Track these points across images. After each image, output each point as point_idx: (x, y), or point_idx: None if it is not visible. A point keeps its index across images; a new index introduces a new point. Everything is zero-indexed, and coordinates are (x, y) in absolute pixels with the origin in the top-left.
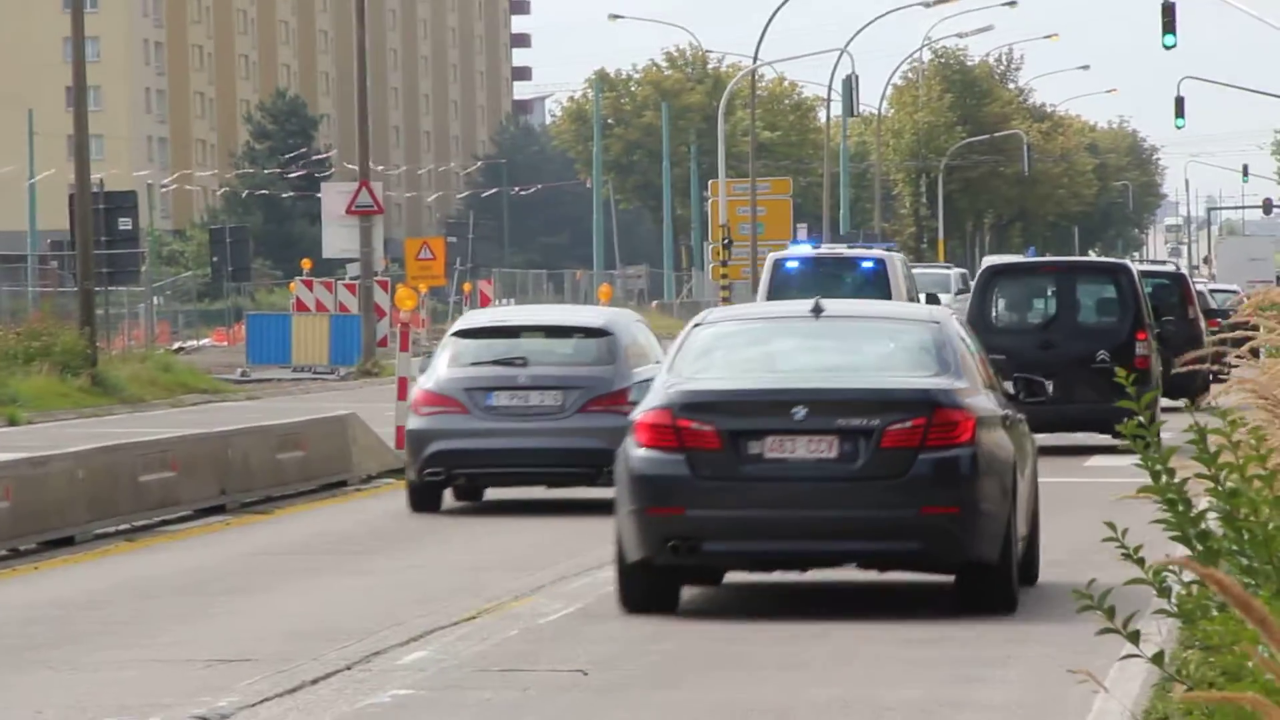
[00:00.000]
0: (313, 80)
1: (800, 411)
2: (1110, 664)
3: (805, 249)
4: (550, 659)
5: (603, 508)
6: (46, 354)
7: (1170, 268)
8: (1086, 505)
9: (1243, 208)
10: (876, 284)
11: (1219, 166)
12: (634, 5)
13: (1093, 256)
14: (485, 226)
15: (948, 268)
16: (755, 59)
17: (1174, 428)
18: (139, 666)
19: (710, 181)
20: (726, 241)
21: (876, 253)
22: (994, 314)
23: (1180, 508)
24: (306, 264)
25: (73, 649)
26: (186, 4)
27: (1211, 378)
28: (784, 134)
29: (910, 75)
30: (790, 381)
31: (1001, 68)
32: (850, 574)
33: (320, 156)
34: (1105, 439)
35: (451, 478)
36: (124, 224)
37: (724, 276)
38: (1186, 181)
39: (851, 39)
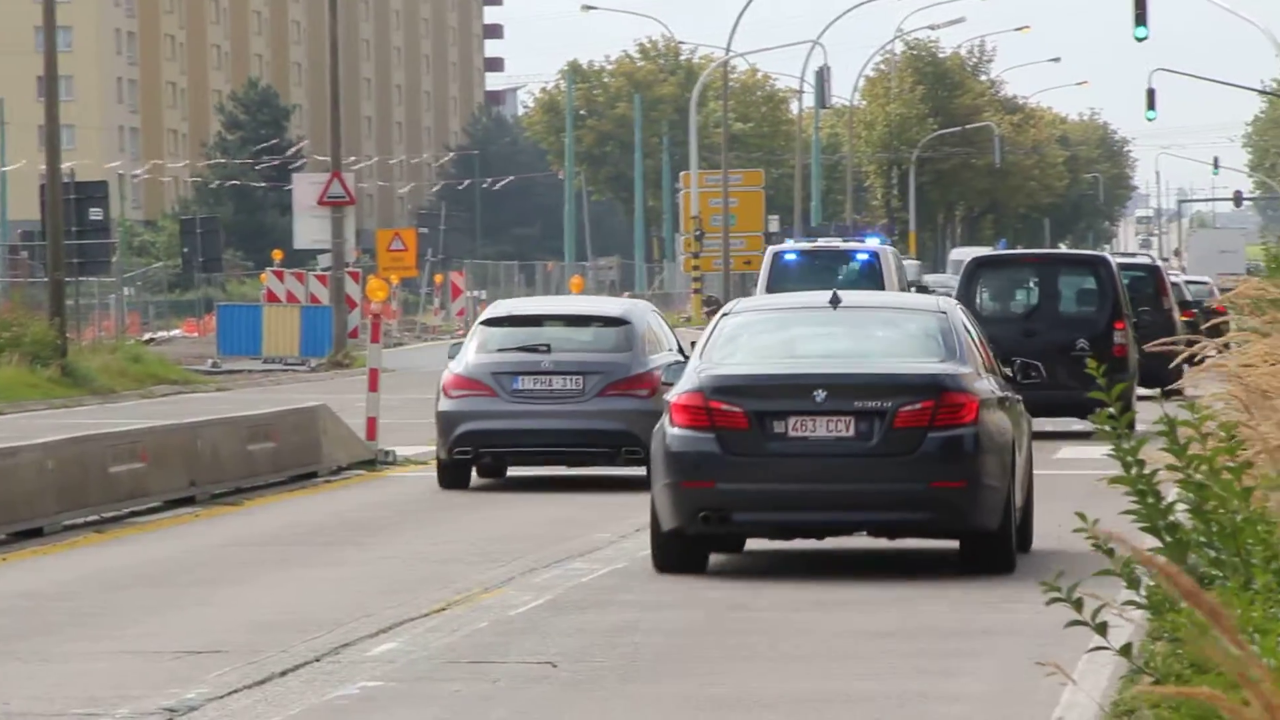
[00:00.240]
0: (285, 71)
1: (820, 394)
2: (1080, 655)
3: (802, 242)
4: (520, 651)
5: (578, 500)
6: (16, 344)
7: (1146, 260)
8: (1062, 497)
9: (1213, 200)
10: (870, 275)
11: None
12: None
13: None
14: (457, 218)
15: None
16: (728, 50)
17: (1150, 417)
18: (108, 658)
19: (682, 173)
20: (698, 233)
21: (870, 246)
22: (979, 303)
23: (1150, 499)
24: (277, 255)
25: (41, 640)
26: None
27: (1188, 364)
28: (756, 126)
29: (882, 67)
30: (811, 367)
31: (973, 60)
32: (844, 550)
33: (293, 148)
34: (1079, 427)
35: (479, 456)
36: (95, 214)
37: (696, 268)
38: (1157, 174)
39: (824, 31)
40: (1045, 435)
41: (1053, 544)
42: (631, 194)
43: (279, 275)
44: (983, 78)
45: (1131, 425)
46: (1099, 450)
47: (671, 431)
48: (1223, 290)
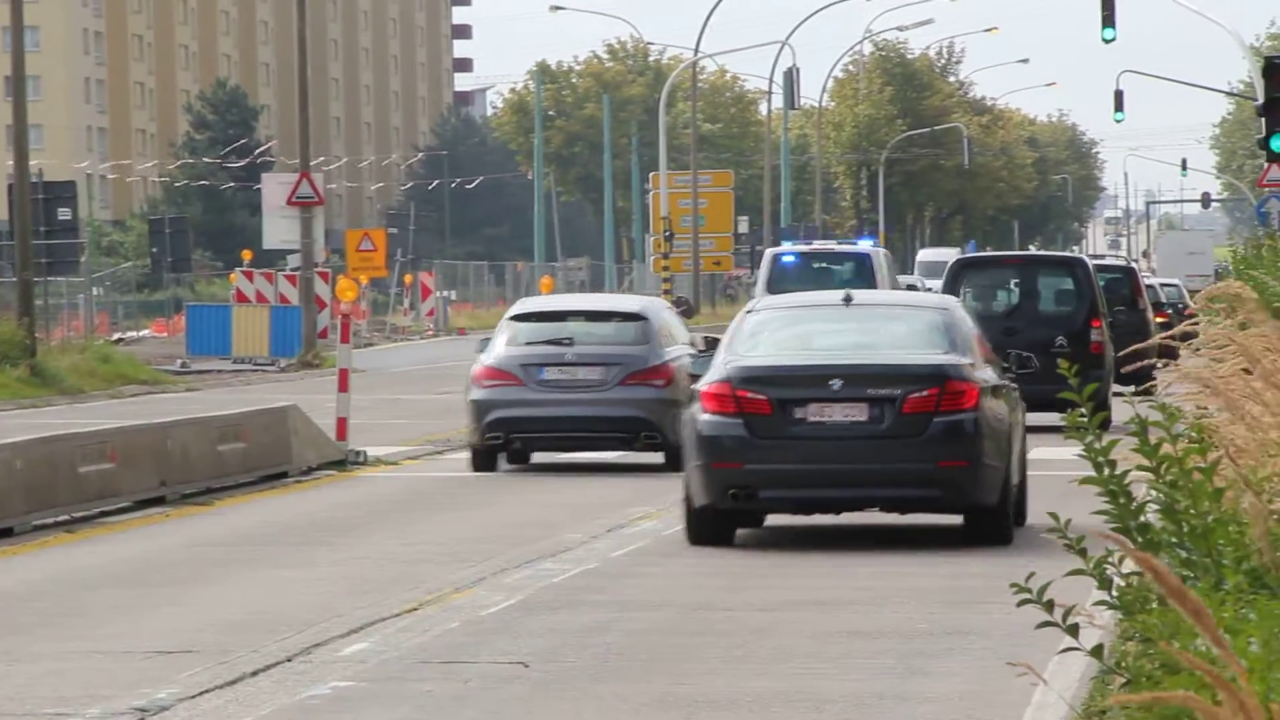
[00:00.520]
0: (253, 71)
1: (837, 383)
2: (1051, 656)
3: (799, 245)
4: (491, 651)
5: (549, 501)
6: None
7: (1121, 263)
8: (1033, 497)
9: (1181, 201)
10: (863, 275)
11: (1158, 160)
12: None
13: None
14: (426, 218)
15: None
16: (696, 51)
17: (1125, 415)
18: (78, 658)
19: (651, 174)
20: (668, 234)
21: (863, 248)
22: (962, 303)
23: (1121, 500)
24: (247, 255)
25: (11, 641)
26: None
27: (1161, 365)
28: (725, 126)
29: (851, 68)
30: (828, 359)
31: (942, 61)
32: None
33: (261, 148)
34: (1053, 423)
35: (509, 442)
36: (63, 214)
37: (665, 269)
38: (1126, 175)
39: (792, 31)
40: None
41: (1007, 563)
42: (601, 195)
43: (248, 275)
44: (951, 79)
45: (1107, 424)
46: (1072, 450)
47: (702, 418)
48: (1191, 292)
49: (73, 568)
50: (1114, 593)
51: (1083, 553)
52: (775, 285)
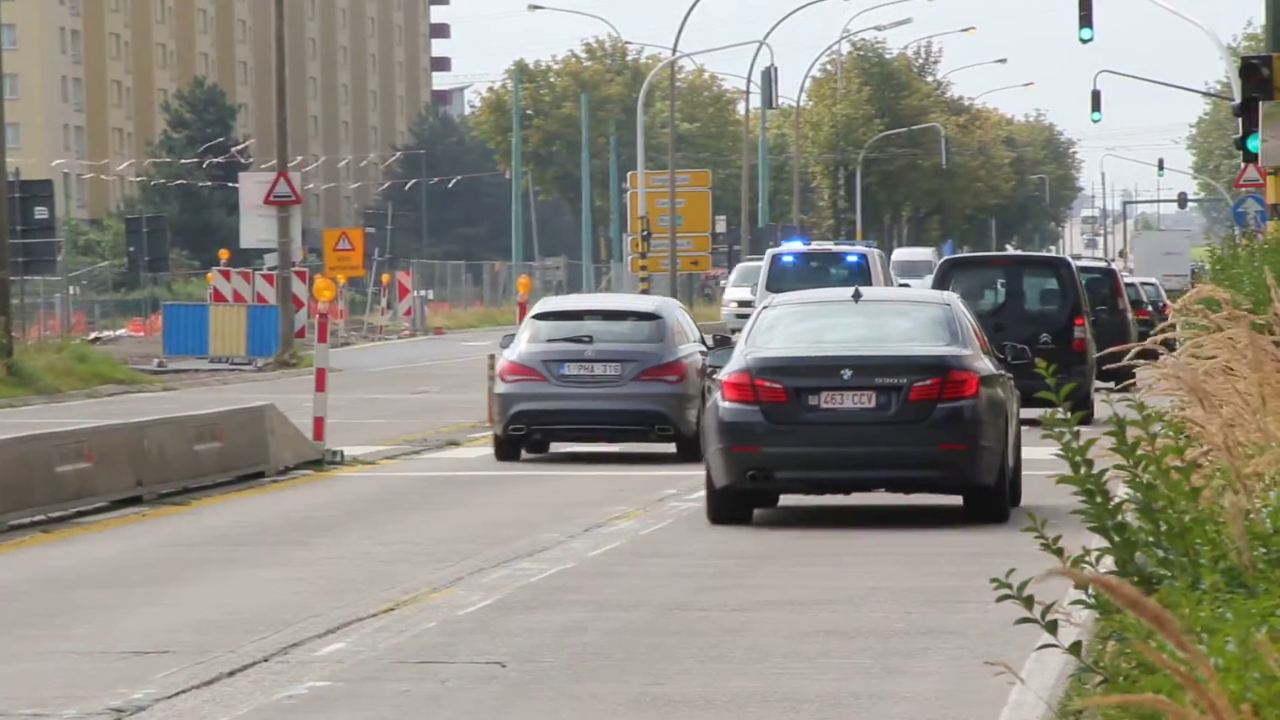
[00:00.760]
0: (231, 70)
1: (847, 373)
2: (1028, 655)
3: (798, 245)
4: (468, 651)
5: (526, 501)
6: None
7: (1102, 263)
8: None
9: (1158, 201)
10: (860, 274)
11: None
12: None
13: (1009, 250)
14: (404, 217)
15: None
16: (674, 50)
17: (1105, 413)
18: (55, 658)
19: (629, 173)
20: (645, 233)
21: (859, 249)
22: None
23: (1098, 499)
24: (224, 254)
25: None
26: None
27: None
28: (703, 126)
29: (829, 68)
30: (839, 350)
31: (919, 61)
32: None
33: (239, 146)
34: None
35: (531, 433)
36: (40, 213)
37: (643, 268)
38: (1103, 175)
39: (770, 31)
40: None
41: (984, 562)
42: (578, 194)
43: (225, 274)
44: (929, 79)
45: (1089, 419)
46: (1041, 451)
47: (723, 405)
48: (1169, 292)
49: (49, 568)
50: (1091, 592)
51: (1059, 552)
52: (775, 284)
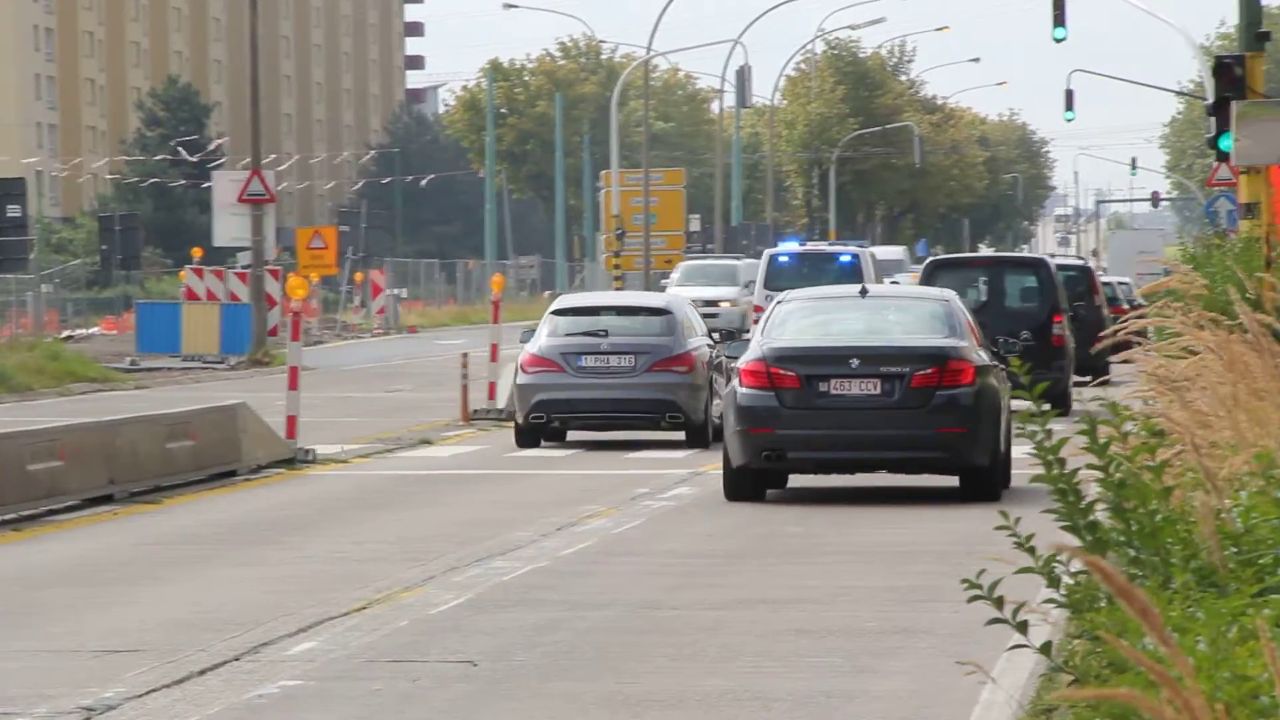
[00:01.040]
0: (205, 68)
1: (854, 362)
2: (999, 654)
3: (793, 246)
4: (440, 650)
5: (498, 500)
6: None
7: (1079, 262)
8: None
9: (1131, 200)
10: (853, 273)
11: (1108, 159)
12: None
13: (982, 249)
14: (377, 216)
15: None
16: (648, 49)
17: (1084, 399)
18: (26, 657)
19: (603, 172)
20: (619, 232)
21: (852, 249)
22: None
23: (1070, 498)
24: (197, 252)
25: None
26: None
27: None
28: (677, 125)
29: (803, 67)
30: (847, 341)
31: (893, 60)
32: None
33: (213, 145)
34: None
35: (550, 421)
36: (12, 211)
37: (617, 267)
38: (1076, 174)
39: (744, 30)
40: None
41: (955, 564)
42: (552, 192)
43: (198, 273)
44: (903, 78)
45: (1067, 411)
46: (1018, 450)
47: (740, 391)
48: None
49: (20, 566)
50: (1062, 591)
51: (1031, 550)
52: (773, 283)
